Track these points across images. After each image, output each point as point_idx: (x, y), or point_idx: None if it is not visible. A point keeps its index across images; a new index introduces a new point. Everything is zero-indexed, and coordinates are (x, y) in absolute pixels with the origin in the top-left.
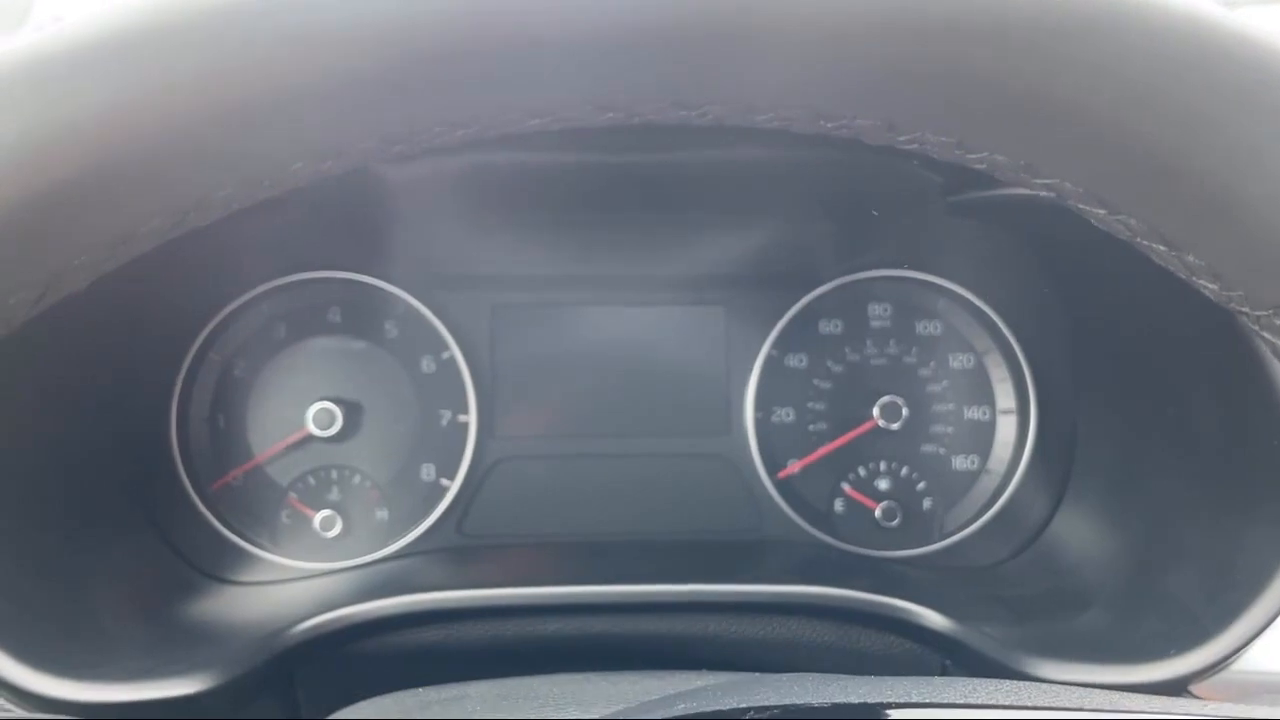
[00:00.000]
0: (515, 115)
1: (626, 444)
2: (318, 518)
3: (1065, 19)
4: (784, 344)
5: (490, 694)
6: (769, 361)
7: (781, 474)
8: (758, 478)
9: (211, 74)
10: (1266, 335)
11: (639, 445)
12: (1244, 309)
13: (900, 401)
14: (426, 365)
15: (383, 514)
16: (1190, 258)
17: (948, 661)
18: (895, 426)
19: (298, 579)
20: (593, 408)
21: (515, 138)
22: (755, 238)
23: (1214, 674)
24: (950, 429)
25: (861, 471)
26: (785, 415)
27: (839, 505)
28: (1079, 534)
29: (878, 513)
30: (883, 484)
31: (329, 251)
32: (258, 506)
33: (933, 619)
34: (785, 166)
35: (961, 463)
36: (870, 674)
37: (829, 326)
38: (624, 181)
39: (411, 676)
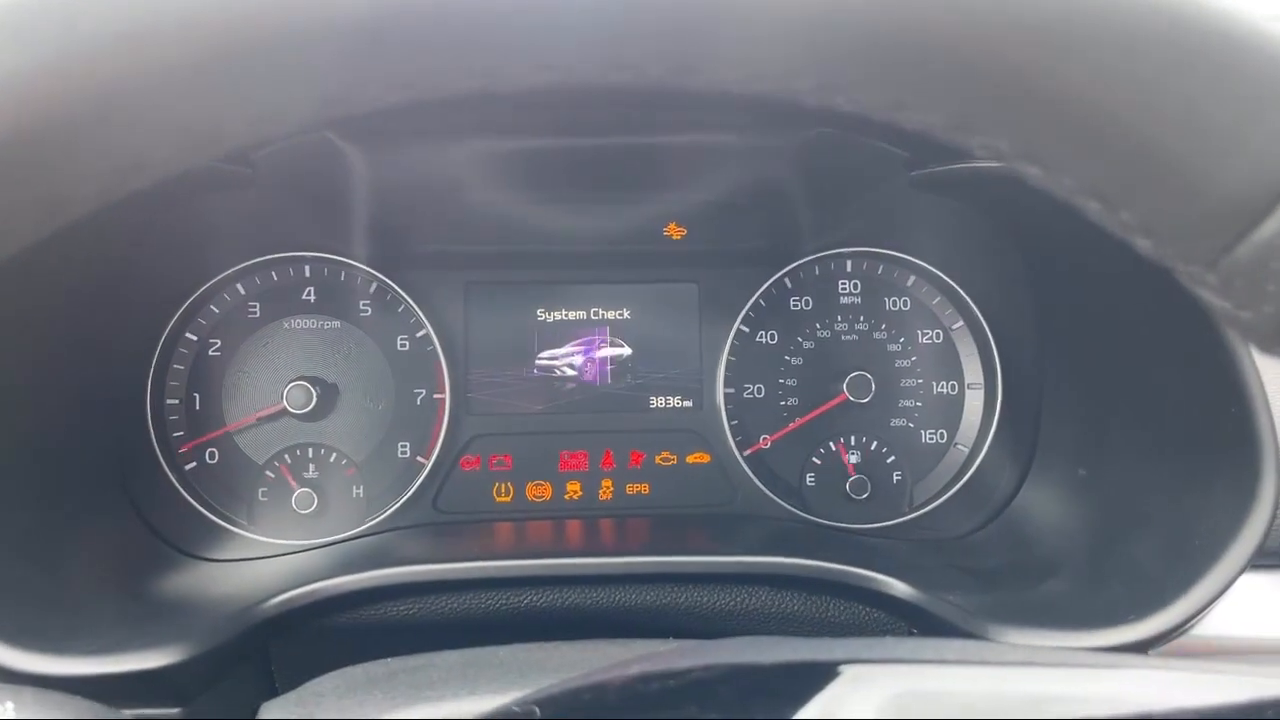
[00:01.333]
0: (455, 78)
1: (599, 420)
2: (294, 495)
3: None
4: (755, 321)
5: (456, 663)
6: (740, 338)
7: (752, 449)
8: (729, 453)
9: (138, 34)
10: (1200, 291)
11: (612, 420)
12: (1178, 265)
13: (869, 376)
14: (401, 344)
15: (359, 491)
16: (1124, 215)
17: (914, 630)
18: (864, 401)
19: (274, 555)
20: (566, 385)
21: (491, 121)
22: (726, 216)
23: (1173, 638)
24: (919, 403)
25: (832, 446)
26: (756, 391)
27: (809, 479)
28: (1044, 505)
29: (847, 486)
30: (853, 458)
31: (303, 232)
32: (234, 484)
33: (899, 588)
34: (754, 147)
35: (930, 436)
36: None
37: (799, 303)
38: (597, 162)
39: (387, 650)
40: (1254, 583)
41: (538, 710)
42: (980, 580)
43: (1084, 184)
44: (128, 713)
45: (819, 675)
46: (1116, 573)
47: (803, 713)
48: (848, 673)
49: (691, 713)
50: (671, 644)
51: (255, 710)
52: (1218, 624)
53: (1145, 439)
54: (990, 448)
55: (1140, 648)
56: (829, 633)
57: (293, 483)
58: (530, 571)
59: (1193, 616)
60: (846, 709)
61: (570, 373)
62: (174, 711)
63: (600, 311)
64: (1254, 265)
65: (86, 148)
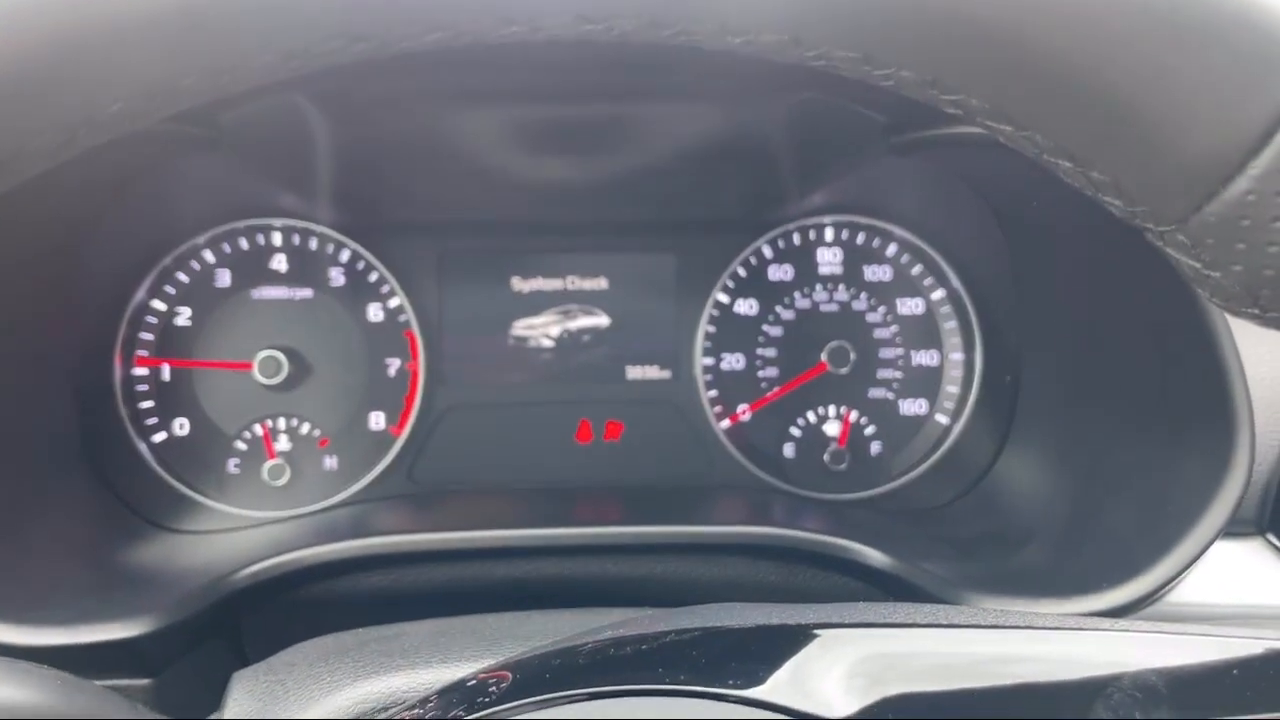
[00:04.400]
0: (418, 29)
1: (576, 390)
2: (266, 466)
3: None
4: (734, 290)
5: (428, 631)
6: (718, 307)
7: (732, 419)
8: (707, 423)
9: None
10: (1170, 251)
11: (589, 392)
12: (1148, 225)
13: (848, 346)
14: (373, 314)
15: (331, 462)
16: (1095, 174)
17: (891, 599)
18: (844, 371)
19: (246, 527)
20: (542, 356)
21: (464, 86)
22: (704, 184)
23: (1147, 605)
24: (899, 373)
25: (811, 416)
26: (735, 361)
27: (788, 450)
28: (1022, 475)
29: (826, 456)
30: (832, 428)
31: (273, 198)
32: (204, 455)
33: (876, 558)
34: (733, 114)
35: (910, 406)
36: None
37: (779, 272)
38: (573, 129)
39: (360, 621)
40: (1228, 550)
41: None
42: (957, 549)
43: (1054, 143)
44: (98, 683)
45: (791, 639)
46: (1091, 541)
47: (774, 676)
48: (820, 636)
49: (663, 677)
50: (646, 612)
51: (225, 681)
52: (1191, 592)
53: (1122, 408)
54: (969, 418)
55: (1114, 615)
56: (806, 601)
57: (265, 454)
58: (505, 542)
59: (1166, 584)
60: (817, 672)
61: (546, 344)
62: (144, 682)
63: (577, 281)
64: (1224, 224)
65: (36, 101)
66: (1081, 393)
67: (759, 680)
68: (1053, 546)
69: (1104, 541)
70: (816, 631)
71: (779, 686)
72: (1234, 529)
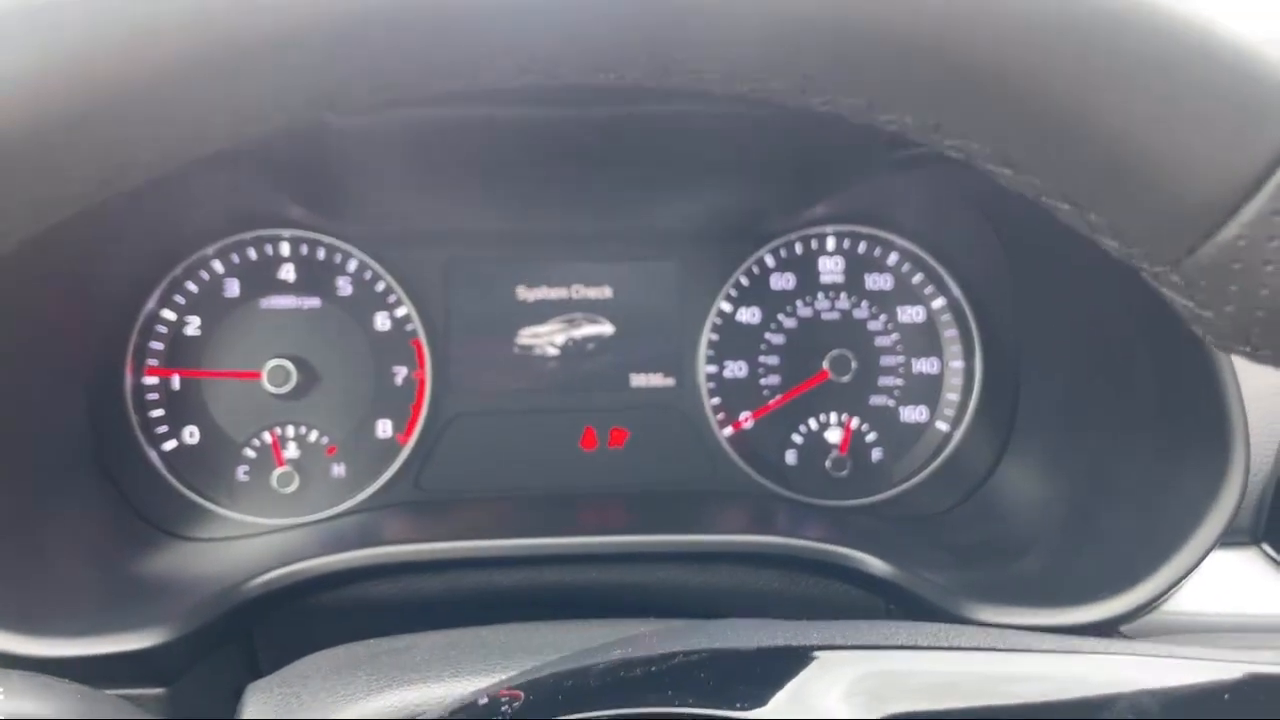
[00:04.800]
0: (438, 79)
1: (581, 398)
2: (275, 474)
3: None
4: (736, 298)
5: (439, 644)
6: (721, 315)
7: (735, 426)
8: (710, 430)
9: (124, 40)
10: (1165, 290)
11: (593, 400)
12: (1144, 265)
13: (849, 355)
14: (380, 322)
15: (339, 470)
16: (1092, 216)
17: (891, 606)
18: (845, 379)
19: (255, 535)
20: (548, 364)
21: (470, 93)
22: (707, 193)
23: (1144, 615)
24: (900, 381)
25: (813, 423)
26: (738, 369)
27: (790, 456)
28: (1020, 483)
29: (828, 463)
30: (833, 435)
31: (281, 209)
32: (214, 463)
33: (875, 565)
34: (736, 123)
35: (910, 414)
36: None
37: (781, 281)
38: (577, 138)
39: (370, 630)
40: (1224, 560)
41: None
42: (957, 557)
43: (1053, 186)
44: (112, 693)
45: (795, 660)
46: (1089, 551)
47: (778, 697)
48: (822, 658)
49: (672, 699)
50: (652, 625)
51: (239, 689)
52: (1187, 601)
53: (1119, 419)
54: (969, 426)
55: (1111, 625)
56: (808, 608)
57: (274, 462)
58: (511, 551)
59: (1162, 594)
60: (819, 692)
61: (552, 351)
62: (158, 691)
63: (581, 290)
64: (1216, 267)
65: (74, 152)
66: (1079, 402)
67: (764, 701)
68: (1051, 556)
69: (1101, 551)
70: (818, 654)
71: (783, 707)
72: (1229, 539)
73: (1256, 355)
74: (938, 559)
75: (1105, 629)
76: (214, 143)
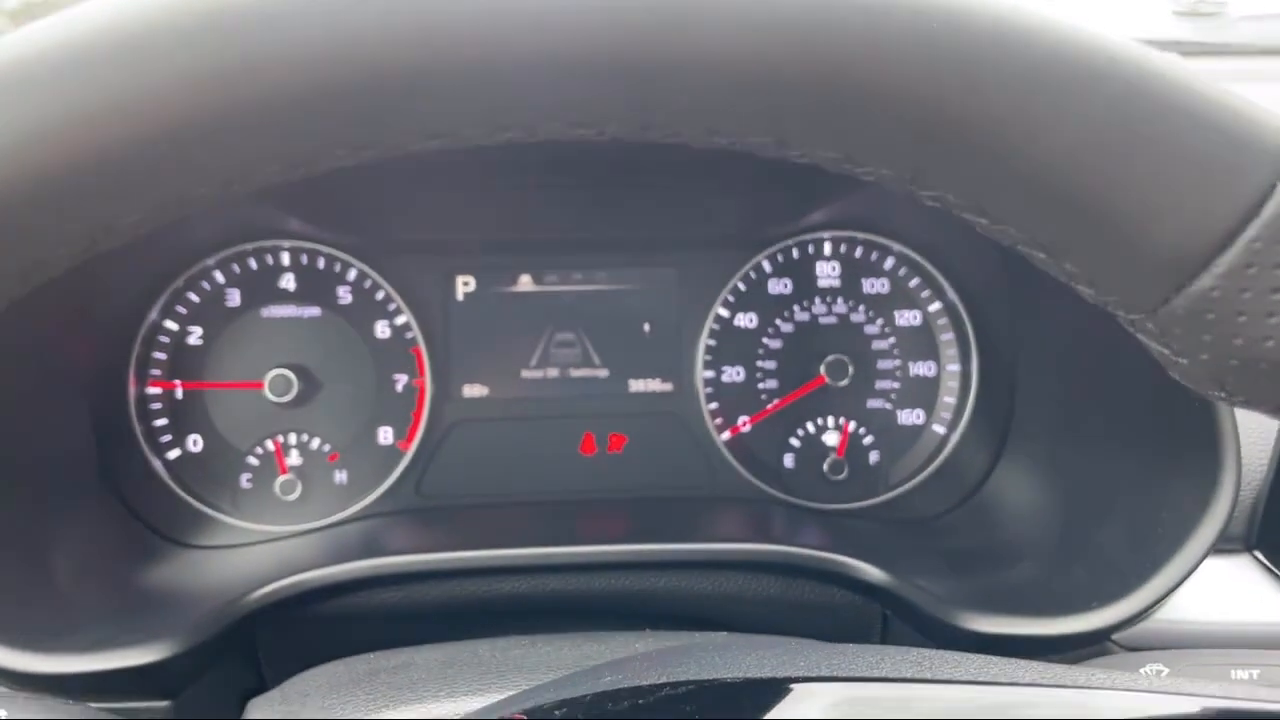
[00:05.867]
0: (416, 137)
1: (580, 404)
2: (278, 481)
3: (936, 37)
4: (734, 304)
5: (436, 661)
6: (719, 321)
7: (732, 431)
8: (708, 435)
9: (107, 109)
10: (1140, 336)
11: (593, 406)
12: (1119, 312)
13: (846, 359)
14: (380, 330)
15: (342, 477)
16: (1067, 265)
17: (888, 611)
18: (842, 383)
19: (259, 542)
20: (548, 370)
21: None
22: (706, 201)
23: (1135, 624)
24: (896, 384)
25: (810, 427)
26: (736, 374)
27: (788, 460)
28: (1015, 489)
29: (825, 466)
30: (831, 439)
31: (281, 220)
32: (218, 471)
33: (870, 573)
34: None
35: (907, 417)
36: (815, 626)
37: (778, 286)
38: (575, 148)
39: (373, 637)
40: (1216, 567)
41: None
42: (951, 563)
43: (1028, 236)
44: (115, 707)
45: (778, 692)
46: (1082, 559)
47: None
48: (801, 689)
49: None
50: (648, 637)
51: (241, 699)
52: (1180, 609)
53: (1113, 425)
54: (965, 429)
55: (1103, 634)
56: (807, 615)
57: (276, 469)
58: (512, 561)
59: (1155, 604)
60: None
61: (551, 357)
62: (162, 704)
63: (581, 295)
64: (1190, 317)
65: (61, 214)
66: (1074, 407)
67: None
68: (1043, 563)
69: (1094, 560)
70: (794, 686)
71: None
72: (1222, 546)
73: (1231, 400)
74: (932, 565)
75: (1097, 638)
76: (197, 204)
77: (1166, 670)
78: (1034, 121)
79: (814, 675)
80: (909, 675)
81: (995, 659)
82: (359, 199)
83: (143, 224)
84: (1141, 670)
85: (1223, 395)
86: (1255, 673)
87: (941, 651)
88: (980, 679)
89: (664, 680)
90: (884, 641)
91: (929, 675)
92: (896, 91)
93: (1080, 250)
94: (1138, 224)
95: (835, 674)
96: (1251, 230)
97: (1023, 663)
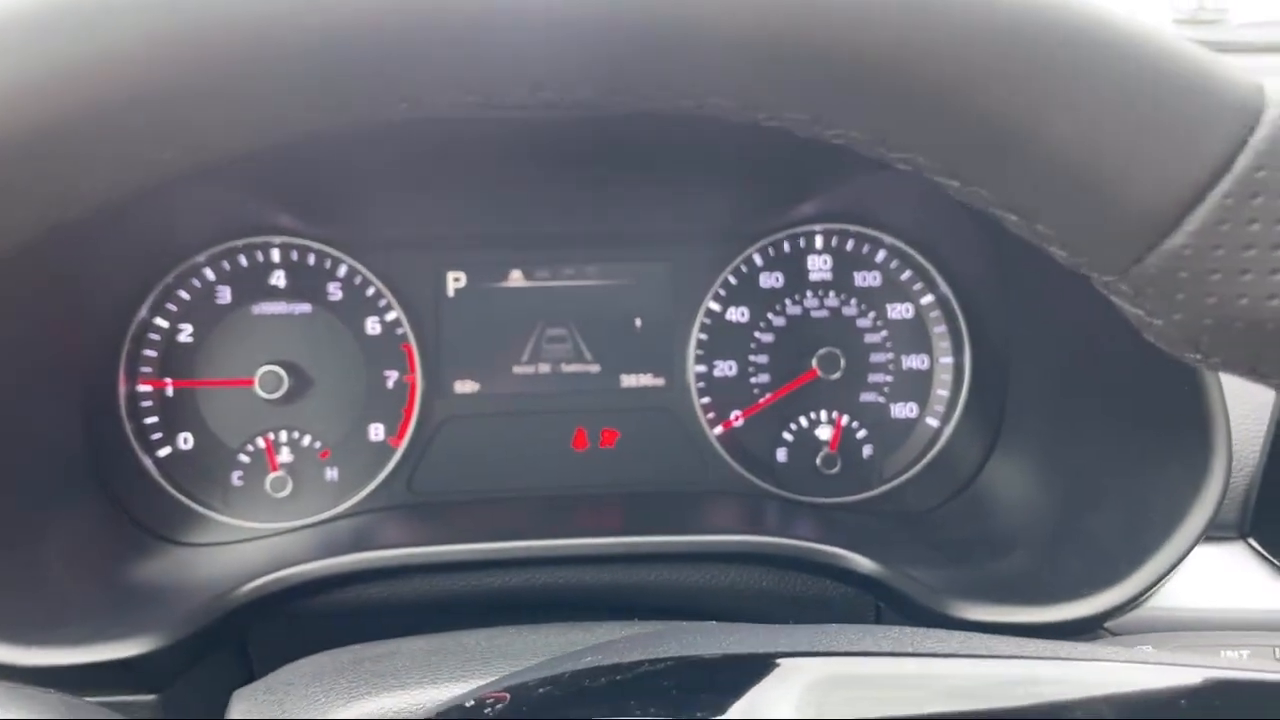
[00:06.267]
0: (382, 102)
1: (572, 399)
2: (269, 479)
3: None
4: (725, 298)
5: (420, 650)
6: (711, 315)
7: (725, 425)
8: (701, 429)
9: (66, 72)
10: (1114, 298)
11: (584, 400)
12: (1092, 274)
13: (838, 352)
14: (371, 327)
15: (333, 474)
16: (1040, 227)
17: (881, 604)
18: (834, 377)
19: (250, 539)
20: (539, 365)
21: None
22: (696, 194)
23: (1128, 612)
24: (889, 378)
25: (803, 421)
26: (728, 368)
27: (781, 454)
28: (1008, 480)
29: (818, 460)
30: (824, 433)
31: (271, 217)
32: (209, 469)
33: (862, 564)
34: (723, 123)
35: (900, 410)
36: (809, 618)
37: (770, 280)
38: (565, 141)
39: (364, 633)
40: (1209, 554)
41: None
42: (943, 554)
43: (1000, 198)
44: (103, 700)
45: (757, 667)
46: (1074, 548)
47: (737, 704)
48: (782, 664)
49: (634, 709)
50: (635, 625)
51: (229, 694)
52: (1173, 597)
53: (1106, 415)
54: (958, 421)
55: (1096, 621)
56: (799, 607)
57: (268, 466)
58: (503, 554)
59: (1146, 590)
60: (774, 699)
61: (543, 352)
62: (150, 698)
63: (572, 290)
64: (1163, 276)
65: (21, 179)
66: (1066, 398)
67: (724, 708)
68: (1037, 553)
69: (1086, 548)
70: (779, 660)
71: (741, 712)
72: (1215, 533)
73: (1207, 362)
74: (925, 556)
75: (1090, 626)
76: (164, 171)
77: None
78: (1001, 82)
79: (797, 651)
80: (895, 650)
81: (987, 636)
82: (349, 195)
83: (104, 192)
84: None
85: (1198, 357)
86: (1245, 653)
87: (931, 630)
88: (971, 653)
89: (644, 658)
90: None
91: (914, 650)
92: (862, 52)
93: (1051, 211)
94: (1108, 183)
95: (818, 649)
96: (1223, 185)
97: (1015, 640)
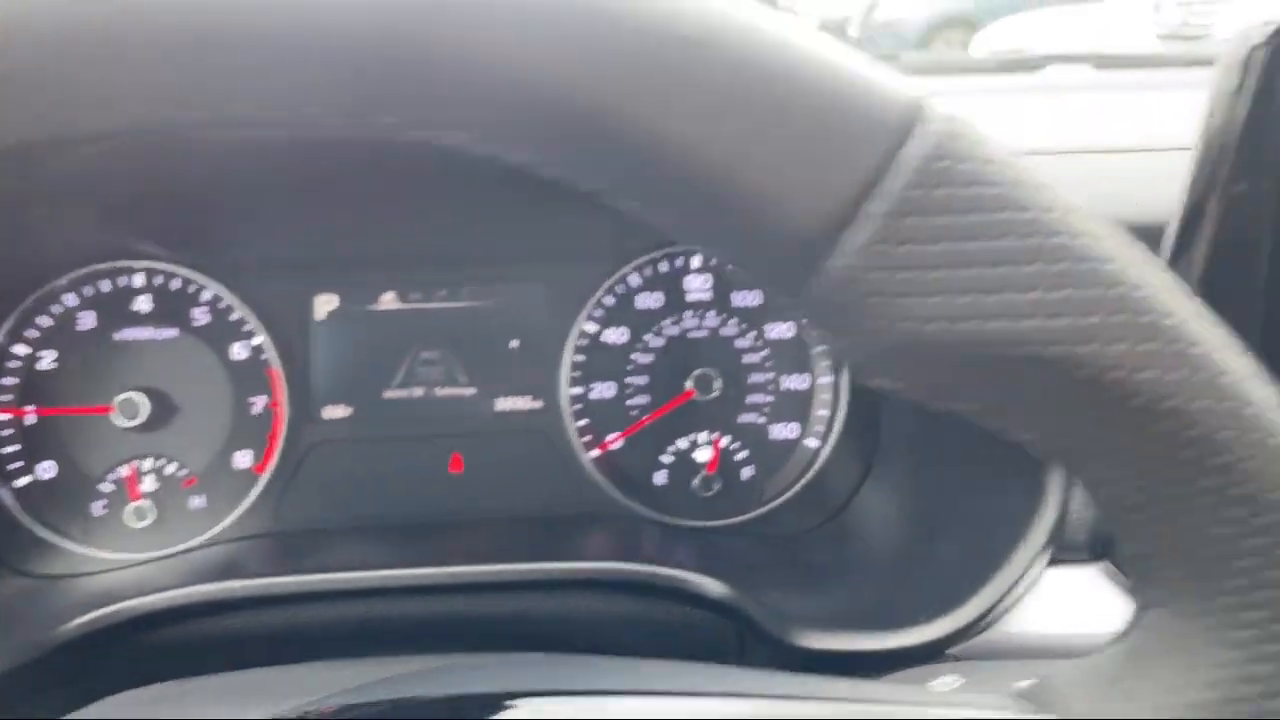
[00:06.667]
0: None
1: (446, 424)
2: (128, 508)
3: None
4: (602, 318)
5: (216, 688)
6: (585, 336)
7: (601, 448)
8: (574, 454)
9: None
10: (804, 320)
11: (459, 424)
12: (775, 294)
13: (713, 373)
14: (236, 352)
15: (199, 502)
16: (717, 249)
17: (741, 630)
18: (710, 397)
19: (109, 570)
20: (413, 389)
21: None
22: (570, 213)
23: (971, 637)
24: (770, 398)
25: (682, 443)
26: (605, 390)
27: (659, 477)
28: (877, 504)
29: (696, 482)
30: (702, 455)
31: (128, 241)
32: (70, 499)
33: (710, 588)
34: None
35: (781, 431)
36: (676, 645)
37: (648, 300)
38: (427, 161)
39: (221, 666)
40: (1066, 578)
41: None
42: (810, 579)
43: (674, 224)
44: None
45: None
46: (924, 574)
47: None
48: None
49: None
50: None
51: None
52: (1023, 622)
53: (964, 438)
54: (836, 443)
55: (936, 648)
56: (664, 635)
57: (129, 495)
58: (364, 583)
59: (985, 615)
60: None
61: (415, 375)
62: None
63: (447, 312)
64: (830, 298)
65: None
66: (930, 420)
67: None
68: (888, 580)
69: (934, 574)
70: (510, 702)
71: None
72: (1071, 556)
73: (896, 389)
74: (791, 580)
75: (932, 652)
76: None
77: (960, 681)
78: (640, 100)
79: (534, 690)
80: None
81: (747, 670)
82: (214, 217)
83: None
84: (932, 682)
85: (886, 383)
86: (960, 680)
87: (690, 664)
88: (692, 689)
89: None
90: (741, 662)
91: (634, 687)
92: (534, 84)
93: (716, 235)
94: (762, 203)
95: (559, 688)
96: (874, 204)
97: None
